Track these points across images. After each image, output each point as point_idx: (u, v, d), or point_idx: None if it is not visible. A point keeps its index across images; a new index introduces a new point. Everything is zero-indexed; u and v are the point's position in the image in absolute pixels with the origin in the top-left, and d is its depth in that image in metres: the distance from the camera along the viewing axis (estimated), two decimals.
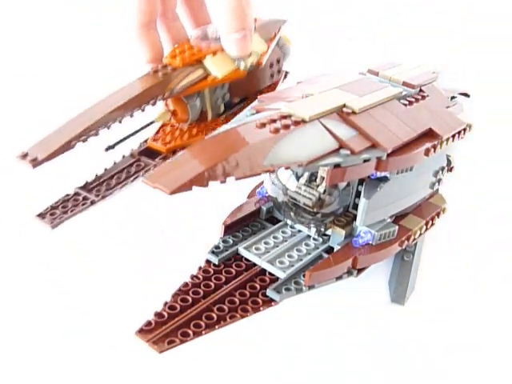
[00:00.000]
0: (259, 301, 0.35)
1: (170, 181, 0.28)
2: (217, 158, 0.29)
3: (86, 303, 0.40)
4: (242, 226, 0.41)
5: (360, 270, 0.39)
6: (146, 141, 0.48)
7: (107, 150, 0.45)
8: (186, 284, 0.35)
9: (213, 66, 0.44)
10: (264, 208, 0.41)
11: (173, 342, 0.32)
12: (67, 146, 0.39)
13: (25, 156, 0.38)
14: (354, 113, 0.36)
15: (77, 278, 0.42)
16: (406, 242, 0.41)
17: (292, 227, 0.41)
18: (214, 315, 0.33)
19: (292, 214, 0.39)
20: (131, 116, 0.43)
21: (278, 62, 0.51)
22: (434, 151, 0.38)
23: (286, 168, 0.33)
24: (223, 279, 0.36)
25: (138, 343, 0.32)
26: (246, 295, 0.35)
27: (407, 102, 0.40)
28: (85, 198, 0.44)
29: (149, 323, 0.32)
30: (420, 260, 0.44)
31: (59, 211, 0.43)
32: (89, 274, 0.42)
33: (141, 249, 0.45)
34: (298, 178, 0.38)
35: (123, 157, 0.47)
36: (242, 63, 0.45)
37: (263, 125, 0.32)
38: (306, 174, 0.38)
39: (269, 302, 0.35)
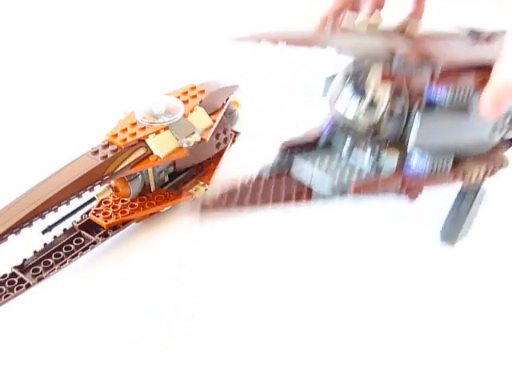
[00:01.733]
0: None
1: None
2: None
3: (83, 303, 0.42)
4: (298, 150, 0.43)
5: (409, 193, 0.41)
6: (87, 212, 0.46)
7: (44, 232, 0.44)
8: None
9: (155, 146, 0.45)
10: (322, 137, 0.43)
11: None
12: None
13: None
14: (414, 35, 0.40)
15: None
16: (459, 179, 0.42)
17: (349, 154, 0.42)
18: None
19: (349, 139, 0.42)
20: (67, 204, 0.42)
21: (225, 132, 0.51)
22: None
23: (338, 52, 0.37)
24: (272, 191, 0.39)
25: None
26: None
27: (472, 41, 0.42)
28: (21, 281, 0.42)
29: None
30: (477, 212, 0.45)
31: None
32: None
33: None
34: (357, 104, 0.40)
35: (64, 230, 0.45)
36: (185, 142, 0.46)
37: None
38: (366, 102, 0.39)
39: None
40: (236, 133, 0.56)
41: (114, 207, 0.47)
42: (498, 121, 0.42)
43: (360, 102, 0.40)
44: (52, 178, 0.43)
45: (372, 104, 0.40)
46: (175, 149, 0.47)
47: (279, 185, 0.40)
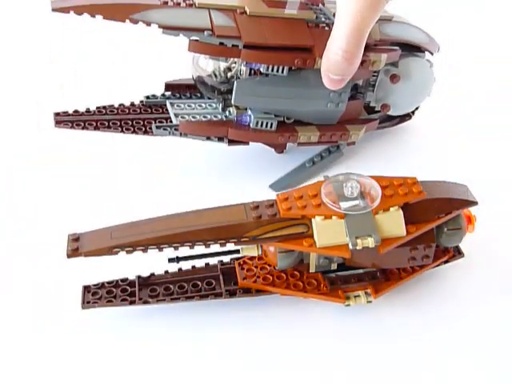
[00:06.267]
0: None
1: None
2: None
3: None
4: (181, 91, 0.55)
5: (231, 142, 0.51)
6: (238, 259, 0.43)
7: (170, 261, 0.41)
8: None
9: (318, 231, 0.38)
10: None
11: None
12: (110, 252, 0.37)
13: (76, 240, 0.37)
14: (245, 13, 0.47)
15: None
16: (284, 138, 0.50)
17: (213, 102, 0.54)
18: None
19: (206, 91, 0.51)
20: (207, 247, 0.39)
21: (427, 248, 0.40)
22: (303, 64, 0.46)
23: (147, 25, 0.44)
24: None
25: None
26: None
27: (314, 25, 0.48)
28: (132, 294, 0.41)
29: None
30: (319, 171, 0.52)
31: (102, 294, 0.40)
32: None
33: None
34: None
35: (206, 265, 0.43)
36: (352, 243, 0.37)
37: (165, 3, 0.46)
38: (224, 64, 0.50)
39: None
40: (459, 253, 0.45)
41: (262, 268, 0.43)
42: (332, 93, 0.48)
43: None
44: (197, 213, 0.40)
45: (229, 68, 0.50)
46: (339, 244, 0.38)
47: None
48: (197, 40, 0.45)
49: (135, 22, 0.44)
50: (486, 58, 0.74)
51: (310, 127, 0.51)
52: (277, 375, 0.38)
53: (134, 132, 0.51)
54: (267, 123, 0.49)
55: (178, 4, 0.47)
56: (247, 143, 0.52)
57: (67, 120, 0.51)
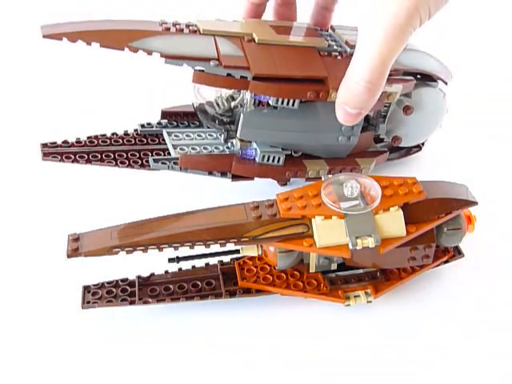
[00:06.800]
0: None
1: None
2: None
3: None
4: (178, 119, 0.52)
5: (234, 177, 0.48)
6: (238, 259, 0.43)
7: (170, 261, 0.41)
8: None
9: (318, 231, 0.38)
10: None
11: None
12: (110, 252, 0.37)
13: (76, 240, 0.37)
14: (253, 41, 0.44)
15: None
16: (292, 174, 0.47)
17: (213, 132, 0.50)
18: None
19: (207, 120, 0.48)
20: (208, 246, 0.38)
21: (427, 248, 0.40)
22: (316, 97, 0.43)
23: (148, 54, 0.40)
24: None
25: None
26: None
27: (326, 54, 0.46)
28: (132, 294, 0.41)
29: None
30: None
31: (102, 294, 0.40)
32: None
33: None
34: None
35: (206, 264, 0.43)
36: (352, 243, 0.37)
37: (167, 29, 0.43)
38: (226, 92, 0.47)
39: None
40: (459, 253, 0.45)
41: (262, 268, 0.43)
42: (344, 126, 0.45)
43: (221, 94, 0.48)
44: (198, 213, 0.40)
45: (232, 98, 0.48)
46: (339, 245, 0.38)
47: None
48: (202, 70, 0.42)
49: (135, 50, 0.41)
50: (483, 57, 0.74)
51: (319, 161, 0.48)
52: (277, 375, 0.38)
53: (129, 166, 0.48)
54: (274, 157, 0.46)
55: (181, 30, 0.44)
56: (252, 178, 0.49)
57: (55, 152, 0.47)
